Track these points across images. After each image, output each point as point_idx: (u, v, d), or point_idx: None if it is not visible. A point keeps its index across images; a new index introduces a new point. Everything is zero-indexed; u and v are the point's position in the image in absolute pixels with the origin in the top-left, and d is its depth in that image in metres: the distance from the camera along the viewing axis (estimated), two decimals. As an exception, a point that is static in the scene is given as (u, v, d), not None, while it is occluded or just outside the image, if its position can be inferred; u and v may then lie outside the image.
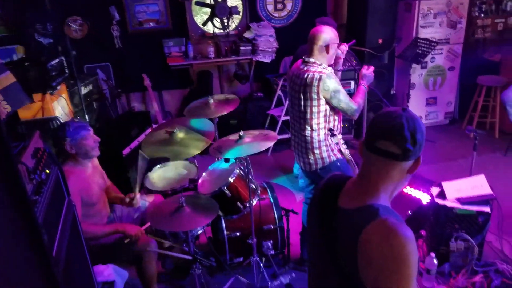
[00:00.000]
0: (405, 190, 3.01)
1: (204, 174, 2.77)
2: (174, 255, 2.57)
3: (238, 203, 2.55)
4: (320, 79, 2.36)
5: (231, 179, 2.50)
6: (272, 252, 2.75)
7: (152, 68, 4.97)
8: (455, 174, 3.17)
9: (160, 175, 3.01)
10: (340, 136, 2.37)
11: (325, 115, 2.47)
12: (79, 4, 4.59)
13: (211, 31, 5.08)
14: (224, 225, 2.71)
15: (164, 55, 5.06)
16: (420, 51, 4.50)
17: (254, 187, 2.61)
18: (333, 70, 2.49)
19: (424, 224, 2.99)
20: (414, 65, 4.86)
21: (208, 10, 4.96)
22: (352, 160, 2.31)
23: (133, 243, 2.35)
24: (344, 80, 4.22)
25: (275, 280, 2.70)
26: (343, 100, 2.43)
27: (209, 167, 2.83)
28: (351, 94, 2.59)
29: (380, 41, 4.71)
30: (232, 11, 4.93)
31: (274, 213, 2.78)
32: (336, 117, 2.53)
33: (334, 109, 2.47)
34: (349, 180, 1.21)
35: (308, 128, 2.50)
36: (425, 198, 2.90)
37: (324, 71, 2.40)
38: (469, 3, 4.92)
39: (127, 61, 4.99)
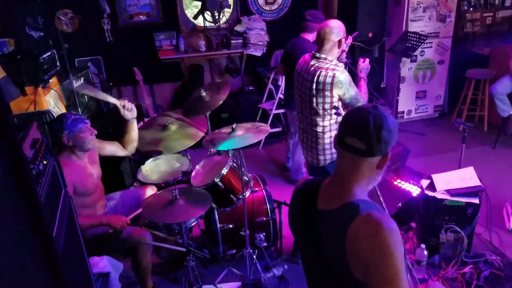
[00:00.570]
0: (395, 183, 3.05)
1: (197, 166, 2.79)
2: (168, 247, 2.60)
3: (231, 195, 2.57)
4: (334, 76, 2.35)
5: (224, 171, 2.52)
6: (265, 244, 2.78)
7: (143, 62, 4.95)
8: (444, 167, 3.23)
9: (153, 168, 3.04)
10: None
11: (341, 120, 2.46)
12: (70, -3, 4.55)
13: (202, 25, 5.08)
14: (217, 217, 2.73)
15: (155, 48, 5.04)
16: (409, 45, 4.54)
17: (246, 179, 2.63)
18: (343, 66, 2.48)
19: (414, 216, 3.03)
20: (404, 59, 4.90)
21: (199, 3, 4.95)
22: None
23: (119, 233, 2.38)
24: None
25: (268, 272, 2.72)
26: (354, 95, 2.43)
27: (202, 160, 2.85)
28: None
29: (370, 35, 4.74)
30: (222, 4, 4.93)
31: (267, 205, 2.80)
32: (345, 112, 2.53)
33: (344, 105, 2.47)
34: (324, 181, 1.24)
35: (320, 123, 2.50)
36: (415, 190, 2.94)
37: (338, 68, 2.39)
38: (458, -3, 4.97)
39: (118, 55, 4.97)
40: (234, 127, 2.45)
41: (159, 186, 2.79)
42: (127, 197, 2.74)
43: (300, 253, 1.40)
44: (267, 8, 5.38)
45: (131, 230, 2.44)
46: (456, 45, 5.22)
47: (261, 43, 5.11)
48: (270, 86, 4.86)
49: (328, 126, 2.51)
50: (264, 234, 2.79)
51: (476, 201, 2.72)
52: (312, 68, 2.44)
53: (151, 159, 3.02)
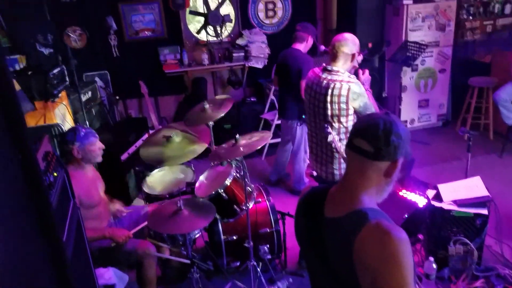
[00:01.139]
0: (400, 193, 2.93)
1: (201, 177, 2.82)
2: (172, 258, 2.62)
3: (235, 206, 2.58)
4: (349, 89, 2.33)
5: (227, 182, 2.53)
6: (269, 256, 2.75)
7: (148, 75, 5.04)
8: (450, 176, 3.15)
9: (157, 179, 3.07)
10: None
11: (352, 124, 2.43)
12: (78, 15, 4.68)
13: (205, 39, 5.18)
14: (221, 228, 2.73)
15: (160, 62, 5.15)
16: (410, 54, 4.57)
17: (250, 190, 2.65)
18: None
19: (421, 227, 2.93)
20: (404, 68, 4.92)
21: (202, 18, 5.07)
22: None
23: (122, 246, 2.40)
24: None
25: (272, 285, 2.68)
26: (369, 108, 2.40)
27: (206, 171, 2.88)
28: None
29: (370, 45, 4.79)
30: (224, 19, 5.05)
31: (270, 216, 2.79)
32: None
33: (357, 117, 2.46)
34: (331, 189, 1.22)
35: (336, 137, 2.45)
36: (421, 201, 2.83)
37: (352, 80, 2.37)
38: (456, 6, 5.01)
39: (124, 69, 5.08)
40: (237, 137, 2.46)
41: (163, 198, 2.82)
42: (134, 210, 2.78)
43: (305, 263, 1.39)
44: (267, 21, 5.48)
45: (136, 242, 2.46)
46: (456, 53, 5.24)
47: (262, 56, 5.20)
48: (271, 97, 4.91)
49: (344, 140, 2.47)
50: (268, 246, 2.76)
51: (485, 211, 2.63)
52: (325, 81, 2.41)
53: (156, 170, 3.06)
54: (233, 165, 2.67)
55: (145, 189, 2.95)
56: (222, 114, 2.73)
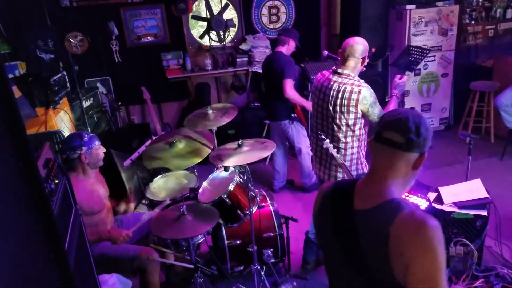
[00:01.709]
0: (402, 196, 3.00)
1: (204, 183, 2.82)
2: (176, 263, 2.61)
3: (238, 211, 2.59)
4: (359, 92, 2.34)
5: (231, 187, 2.54)
6: (273, 260, 2.77)
7: (151, 81, 5.04)
8: (451, 179, 3.19)
9: (161, 185, 3.06)
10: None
11: (360, 128, 2.46)
12: (79, 20, 4.68)
13: (208, 44, 5.19)
14: (224, 233, 2.74)
15: (163, 68, 5.15)
16: (412, 59, 4.58)
17: (253, 195, 2.65)
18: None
19: None
20: (407, 72, 4.95)
21: (205, 23, 5.07)
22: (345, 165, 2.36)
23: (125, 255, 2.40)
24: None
25: None
26: (377, 113, 2.40)
27: (210, 176, 2.88)
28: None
29: (373, 49, 4.80)
30: (227, 24, 5.05)
31: (274, 221, 2.80)
32: (365, 129, 2.53)
33: (366, 122, 2.47)
34: (358, 182, 1.25)
35: (343, 140, 2.48)
36: (422, 204, 2.91)
37: (363, 84, 2.38)
38: (459, 11, 5.03)
39: (127, 75, 5.07)
40: (240, 143, 2.48)
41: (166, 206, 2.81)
42: (137, 215, 2.77)
43: (325, 257, 1.38)
44: (271, 26, 5.49)
45: (139, 248, 2.46)
46: (459, 57, 5.26)
47: (265, 61, 5.20)
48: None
49: (351, 142, 2.49)
50: (271, 250, 2.78)
51: (485, 213, 2.70)
52: (336, 84, 2.42)
53: (159, 176, 3.05)
54: (237, 171, 2.67)
55: (149, 195, 2.94)
56: (223, 123, 2.74)
